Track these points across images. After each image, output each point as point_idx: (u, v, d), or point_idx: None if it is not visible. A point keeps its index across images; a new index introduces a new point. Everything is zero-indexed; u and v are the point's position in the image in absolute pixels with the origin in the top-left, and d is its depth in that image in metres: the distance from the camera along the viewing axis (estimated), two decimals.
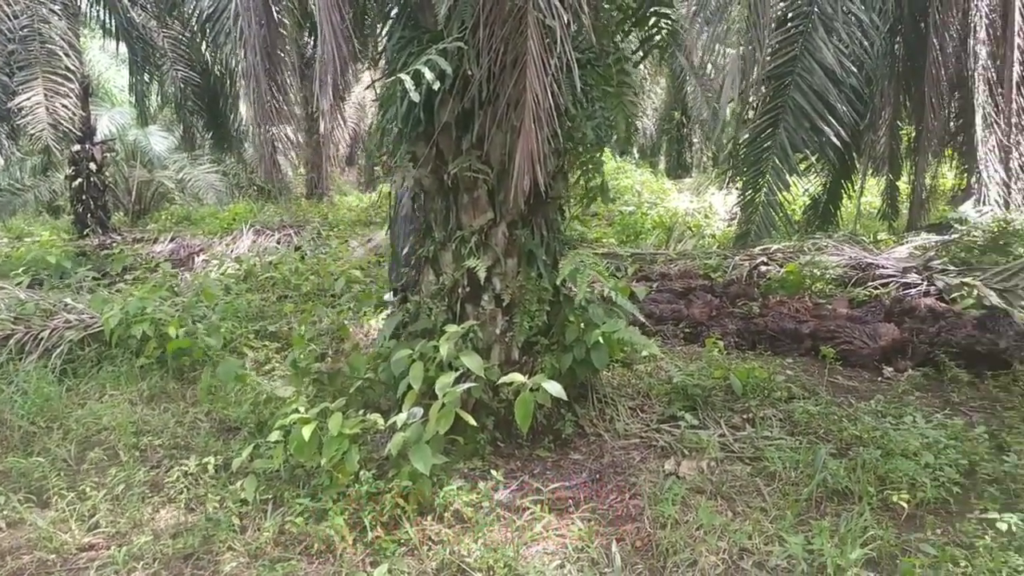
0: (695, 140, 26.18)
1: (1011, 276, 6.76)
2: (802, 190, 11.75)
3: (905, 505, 3.24)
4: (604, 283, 4.10)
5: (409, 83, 2.99)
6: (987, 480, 3.56)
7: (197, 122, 12.39)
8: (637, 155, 25.42)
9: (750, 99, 9.68)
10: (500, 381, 3.63)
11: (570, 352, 3.95)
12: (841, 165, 10.72)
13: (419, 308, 4.04)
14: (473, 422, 3.46)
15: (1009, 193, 9.46)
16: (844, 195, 11.30)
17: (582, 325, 4.00)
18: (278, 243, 10.29)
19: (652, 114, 26.34)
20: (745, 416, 4.40)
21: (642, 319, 4.01)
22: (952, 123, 10.81)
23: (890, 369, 5.16)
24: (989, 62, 9.32)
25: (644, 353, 4.43)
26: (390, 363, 3.82)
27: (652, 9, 4.25)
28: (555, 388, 3.44)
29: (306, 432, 3.27)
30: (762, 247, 8.62)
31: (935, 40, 9.47)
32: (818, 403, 4.43)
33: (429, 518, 3.21)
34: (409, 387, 3.56)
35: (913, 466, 3.47)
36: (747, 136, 9.73)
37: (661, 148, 27.53)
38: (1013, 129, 9.36)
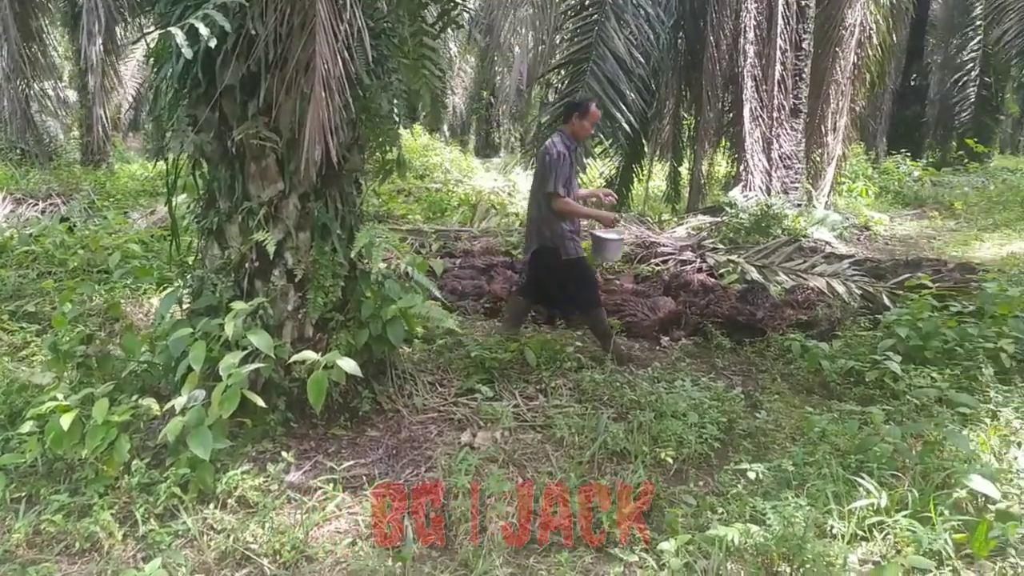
0: (503, 120, 26.75)
1: (769, 254, 7.62)
2: (598, 172, 12.44)
3: (671, 461, 3.56)
4: (401, 258, 4.07)
5: (181, 39, 2.75)
6: (742, 435, 3.99)
7: None
8: (448, 133, 25.51)
9: (541, 81, 10.01)
10: (292, 359, 3.50)
11: (366, 328, 3.89)
12: (632, 150, 11.49)
13: (203, 284, 3.78)
14: (262, 403, 3.32)
15: (771, 180, 10.65)
16: (635, 178, 12.13)
17: (378, 301, 3.95)
18: (42, 213, 9.15)
19: (462, 93, 26.52)
20: (538, 386, 4.59)
21: (437, 294, 4.04)
22: (726, 115, 11.92)
23: (667, 339, 5.63)
24: (756, 60, 10.37)
25: (444, 327, 4.49)
26: (169, 343, 3.54)
27: None
28: (349, 365, 3.38)
29: (65, 421, 2.96)
30: None
31: (712, 38, 10.39)
32: (603, 372, 4.72)
33: (211, 506, 3.03)
34: (190, 368, 3.32)
35: (681, 425, 3.81)
36: (548, 118, 10.10)
37: (471, 127, 27.86)
38: (774, 123, 10.51)
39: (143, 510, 2.94)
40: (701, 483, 3.49)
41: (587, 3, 9.77)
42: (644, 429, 3.85)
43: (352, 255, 3.80)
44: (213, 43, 2.84)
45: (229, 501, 3.07)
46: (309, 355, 3.39)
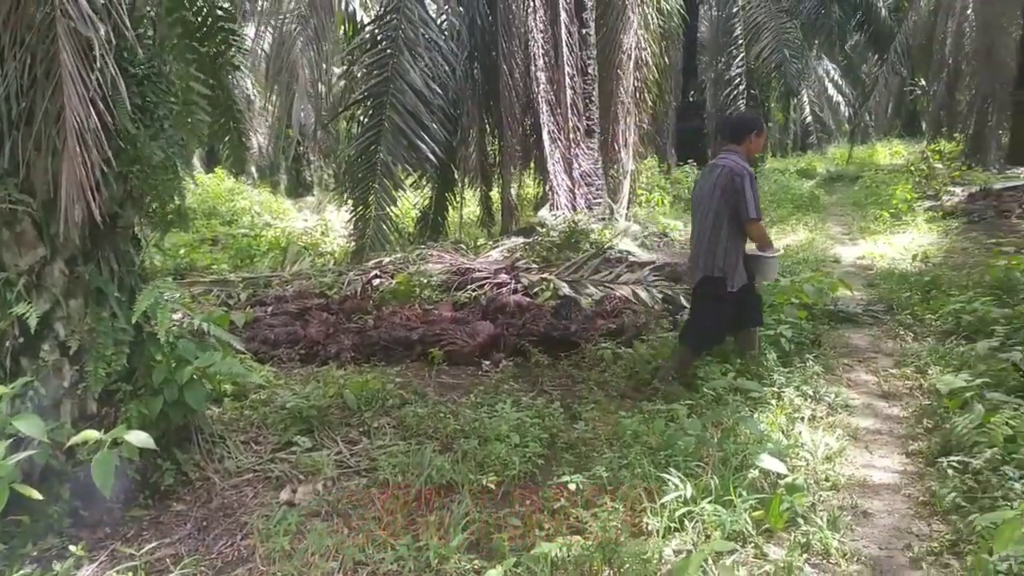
0: (313, 158, 26.11)
1: (578, 268, 7.98)
2: (413, 203, 12.47)
3: (493, 486, 3.57)
4: (193, 315, 3.81)
5: None
6: (564, 448, 4.10)
7: None
8: (256, 175, 24.47)
9: (345, 116, 9.93)
10: (71, 441, 3.15)
11: (160, 395, 3.58)
12: (443, 179, 11.65)
13: None
14: (38, 496, 2.95)
15: (575, 198, 11.18)
16: (449, 206, 12.29)
17: (172, 364, 3.67)
18: None
19: (267, 132, 25.57)
20: (361, 429, 4.47)
21: (240, 347, 3.82)
22: (529, 139, 12.39)
23: (488, 363, 5.69)
24: (548, 86, 10.88)
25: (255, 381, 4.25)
26: None
27: (219, 25, 4.07)
28: (140, 438, 3.09)
29: None
30: (376, 261, 8.91)
31: (505, 67, 10.79)
32: (426, 405, 4.68)
33: None
34: None
35: (504, 448, 3.84)
36: (353, 153, 10.00)
37: (280, 167, 26.91)
38: (572, 144, 11.07)
39: None
40: (528, 502, 3.53)
41: (380, 38, 9.80)
42: (469, 457, 3.85)
43: (135, 318, 3.50)
44: None
45: None
46: (91, 434, 3.06)
